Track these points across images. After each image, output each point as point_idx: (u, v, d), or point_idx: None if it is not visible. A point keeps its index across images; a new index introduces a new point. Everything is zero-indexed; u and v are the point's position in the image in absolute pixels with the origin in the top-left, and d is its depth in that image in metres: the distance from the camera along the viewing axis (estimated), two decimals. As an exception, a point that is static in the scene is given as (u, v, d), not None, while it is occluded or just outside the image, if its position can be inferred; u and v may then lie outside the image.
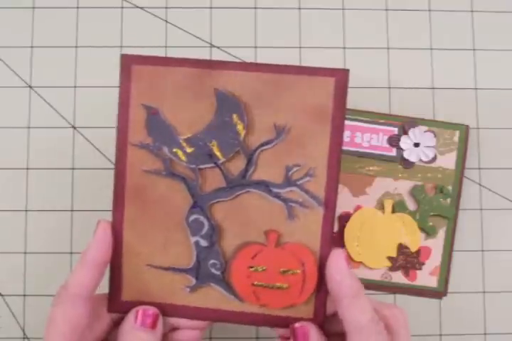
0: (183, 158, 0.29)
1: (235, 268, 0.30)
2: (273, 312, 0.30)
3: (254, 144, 0.29)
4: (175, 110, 0.29)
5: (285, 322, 0.30)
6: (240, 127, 0.29)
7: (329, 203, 0.29)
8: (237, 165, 0.30)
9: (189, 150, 0.29)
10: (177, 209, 0.30)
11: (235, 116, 0.29)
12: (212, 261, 0.30)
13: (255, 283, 0.29)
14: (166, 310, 0.30)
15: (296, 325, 0.29)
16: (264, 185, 0.30)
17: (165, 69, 0.29)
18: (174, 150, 0.29)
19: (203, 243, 0.30)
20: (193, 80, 0.29)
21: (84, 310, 0.28)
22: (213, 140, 0.29)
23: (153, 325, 0.29)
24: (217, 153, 0.29)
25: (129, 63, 0.29)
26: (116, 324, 0.30)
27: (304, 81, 0.29)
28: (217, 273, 0.30)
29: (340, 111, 0.29)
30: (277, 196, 0.30)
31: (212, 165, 0.30)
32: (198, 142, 0.29)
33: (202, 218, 0.30)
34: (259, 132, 0.29)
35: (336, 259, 0.29)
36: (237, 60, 0.42)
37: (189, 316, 0.30)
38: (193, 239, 0.30)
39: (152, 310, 0.29)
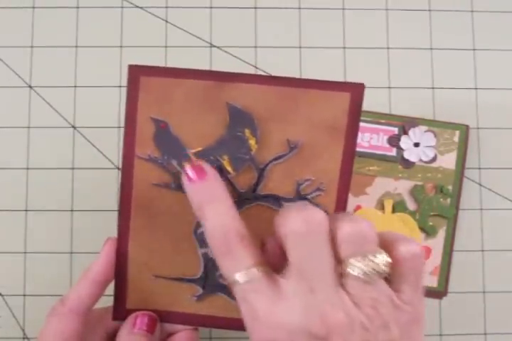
0: None
1: None
2: None
3: (265, 159, 0.29)
4: (185, 123, 0.28)
5: None
6: (252, 142, 0.28)
7: None
8: (247, 179, 0.29)
9: None
10: (185, 221, 0.29)
11: (247, 131, 0.28)
12: (220, 272, 0.29)
13: None
14: (171, 317, 0.30)
15: None
16: (274, 198, 0.29)
17: (174, 81, 0.28)
18: (184, 163, 0.29)
19: (212, 254, 0.29)
20: (204, 93, 0.28)
21: (78, 325, 0.28)
22: (224, 154, 0.29)
23: (151, 330, 0.29)
24: (228, 168, 0.29)
25: (137, 74, 0.28)
26: (111, 338, 0.30)
27: (319, 95, 0.28)
28: (226, 283, 0.29)
29: (355, 126, 0.28)
30: None
31: (222, 179, 0.29)
32: (209, 156, 0.29)
33: None
34: (271, 147, 0.29)
35: None
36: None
37: (195, 323, 0.30)
38: (201, 251, 0.30)
39: (150, 315, 0.29)
